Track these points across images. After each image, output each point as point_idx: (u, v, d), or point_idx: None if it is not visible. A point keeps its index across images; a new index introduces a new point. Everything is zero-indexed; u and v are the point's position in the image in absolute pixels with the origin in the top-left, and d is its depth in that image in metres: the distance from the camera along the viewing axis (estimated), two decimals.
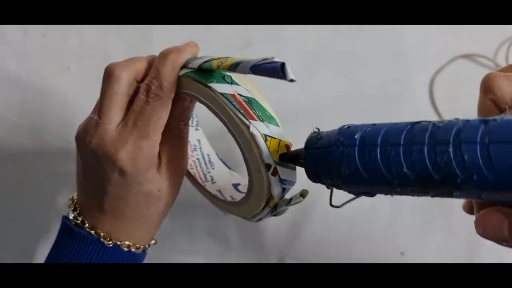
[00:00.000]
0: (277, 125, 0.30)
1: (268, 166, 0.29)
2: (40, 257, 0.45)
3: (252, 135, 0.28)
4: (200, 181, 0.36)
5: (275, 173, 0.29)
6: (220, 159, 0.38)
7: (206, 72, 0.29)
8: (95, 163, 0.29)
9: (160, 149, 0.30)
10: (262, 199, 0.31)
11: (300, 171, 0.28)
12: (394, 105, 0.46)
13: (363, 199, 0.46)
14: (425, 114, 0.47)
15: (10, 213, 0.44)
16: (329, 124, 0.45)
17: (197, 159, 0.37)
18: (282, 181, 0.30)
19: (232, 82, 0.29)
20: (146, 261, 0.43)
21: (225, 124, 0.29)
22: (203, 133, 0.38)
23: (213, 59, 0.28)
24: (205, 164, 0.37)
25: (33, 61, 0.44)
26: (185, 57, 0.29)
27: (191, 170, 0.36)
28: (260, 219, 0.34)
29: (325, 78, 0.46)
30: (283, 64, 0.25)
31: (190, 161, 0.35)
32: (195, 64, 0.29)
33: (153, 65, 0.29)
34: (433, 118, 0.46)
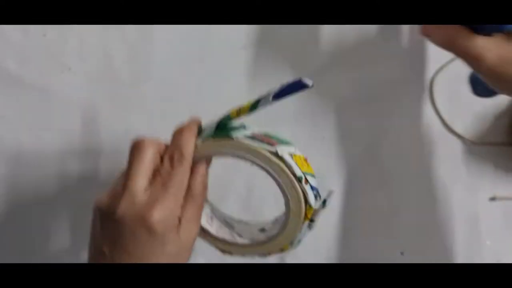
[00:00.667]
0: (292, 144, 0.35)
1: (300, 178, 0.33)
2: (40, 255, 0.45)
3: (281, 158, 0.33)
4: (230, 240, 0.38)
5: (306, 182, 0.33)
6: (234, 219, 0.40)
7: (222, 130, 0.34)
8: (121, 227, 0.31)
9: (181, 211, 0.33)
10: (301, 212, 0.34)
11: None
12: (395, 106, 0.46)
13: (362, 199, 0.46)
14: (425, 114, 0.47)
15: (10, 214, 0.44)
16: (331, 126, 0.46)
17: (218, 225, 0.39)
18: (312, 188, 0.34)
19: (245, 127, 0.35)
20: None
21: (256, 163, 0.33)
22: (211, 202, 0.40)
23: (229, 112, 0.34)
24: (226, 225, 0.39)
25: (34, 61, 0.44)
26: (195, 128, 0.34)
27: (218, 235, 0.38)
28: (300, 240, 0.37)
29: (326, 79, 0.46)
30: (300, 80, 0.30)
31: (213, 230, 0.38)
32: (211, 125, 0.34)
33: (171, 140, 0.34)
34: (434, 118, 0.46)
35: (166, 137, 0.44)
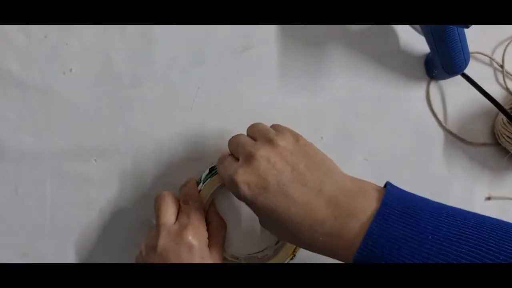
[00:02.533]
0: None
1: None
2: (34, 258, 0.45)
3: None
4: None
5: None
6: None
7: (214, 171, 0.42)
8: (166, 255, 0.37)
9: (209, 237, 0.40)
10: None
11: None
12: (391, 106, 0.47)
13: None
14: (422, 115, 0.47)
15: (10, 214, 0.45)
16: (328, 127, 0.46)
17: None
18: None
19: None
20: None
21: None
22: None
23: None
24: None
25: (35, 63, 0.44)
26: (194, 181, 0.43)
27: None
28: None
29: (323, 81, 0.46)
30: None
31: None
32: (205, 173, 0.43)
33: (180, 193, 0.42)
34: (430, 119, 0.47)
35: (165, 137, 0.45)
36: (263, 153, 0.34)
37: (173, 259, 0.36)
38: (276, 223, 0.33)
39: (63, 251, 0.45)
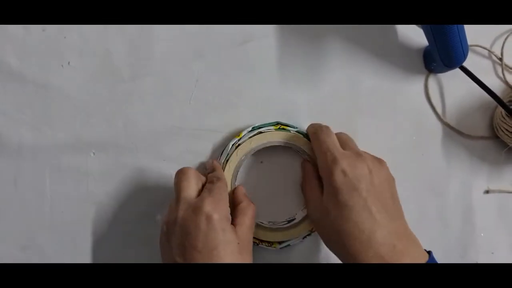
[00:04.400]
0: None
1: None
2: (34, 251, 0.45)
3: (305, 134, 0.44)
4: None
5: None
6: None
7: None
8: (185, 226, 0.36)
9: (237, 217, 0.40)
10: None
11: None
12: (390, 99, 0.47)
13: None
14: (420, 108, 0.47)
15: (10, 209, 0.45)
16: (327, 121, 0.46)
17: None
18: None
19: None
20: (146, 261, 0.44)
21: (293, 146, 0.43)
22: None
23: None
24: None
25: (34, 56, 0.44)
26: (220, 166, 0.43)
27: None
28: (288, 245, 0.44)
29: (322, 75, 0.46)
30: None
31: None
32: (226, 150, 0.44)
33: (207, 171, 0.43)
34: (429, 112, 0.47)
35: (164, 130, 0.45)
36: (370, 162, 0.38)
37: (193, 230, 0.35)
38: (339, 219, 0.36)
39: (62, 244, 0.45)
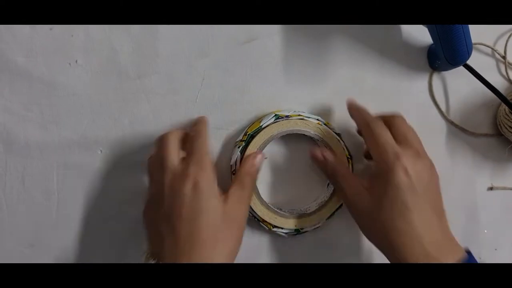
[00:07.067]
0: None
1: (339, 134, 0.45)
2: (41, 249, 0.45)
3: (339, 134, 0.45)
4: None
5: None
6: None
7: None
8: (172, 195, 0.36)
9: (231, 188, 0.39)
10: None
11: None
12: (394, 97, 0.47)
13: None
14: (424, 106, 0.47)
15: (17, 206, 0.45)
16: (332, 119, 0.46)
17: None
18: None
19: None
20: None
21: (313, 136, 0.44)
22: None
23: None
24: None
25: (41, 54, 0.44)
26: (205, 118, 0.43)
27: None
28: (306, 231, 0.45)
29: (327, 72, 0.46)
30: None
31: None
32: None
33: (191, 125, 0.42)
34: (433, 110, 0.47)
35: (170, 128, 0.45)
36: (428, 162, 0.39)
37: (179, 198, 0.35)
38: (394, 217, 0.37)
39: (69, 242, 0.45)
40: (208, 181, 0.36)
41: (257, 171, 0.41)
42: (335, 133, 0.45)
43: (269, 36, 0.46)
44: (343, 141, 0.45)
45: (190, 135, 0.39)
